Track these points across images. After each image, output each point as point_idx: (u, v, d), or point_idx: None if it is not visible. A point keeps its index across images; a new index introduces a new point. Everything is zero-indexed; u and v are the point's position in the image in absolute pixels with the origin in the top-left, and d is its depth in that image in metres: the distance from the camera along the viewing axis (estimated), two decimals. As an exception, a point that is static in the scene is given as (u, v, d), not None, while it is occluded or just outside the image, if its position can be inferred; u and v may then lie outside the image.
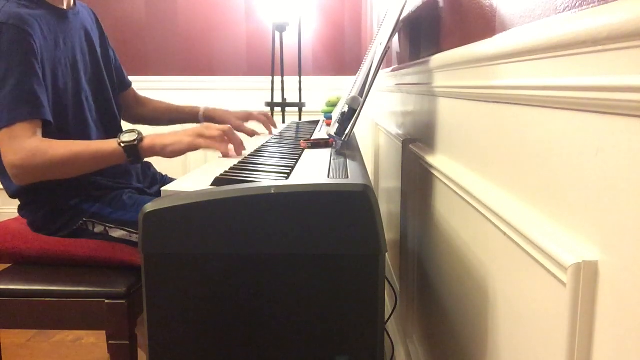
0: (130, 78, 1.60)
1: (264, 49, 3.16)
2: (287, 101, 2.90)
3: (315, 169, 0.91)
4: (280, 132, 1.64)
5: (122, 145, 1.13)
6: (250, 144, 1.26)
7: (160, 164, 1.46)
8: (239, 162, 0.98)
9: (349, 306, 0.71)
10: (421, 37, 1.33)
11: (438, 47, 1.11)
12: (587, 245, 0.48)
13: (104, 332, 1.14)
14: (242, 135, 1.23)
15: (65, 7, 1.30)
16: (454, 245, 0.94)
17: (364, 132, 2.81)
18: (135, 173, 1.40)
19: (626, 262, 0.42)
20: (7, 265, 1.26)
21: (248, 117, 1.64)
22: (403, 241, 1.46)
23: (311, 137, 1.40)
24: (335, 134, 1.07)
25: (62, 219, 1.24)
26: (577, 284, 0.48)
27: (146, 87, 3.01)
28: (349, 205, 0.69)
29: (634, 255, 0.41)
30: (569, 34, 0.48)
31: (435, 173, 1.05)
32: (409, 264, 1.41)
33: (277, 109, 3.00)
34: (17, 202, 1.30)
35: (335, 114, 1.28)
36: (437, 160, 1.05)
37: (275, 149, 1.19)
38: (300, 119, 2.91)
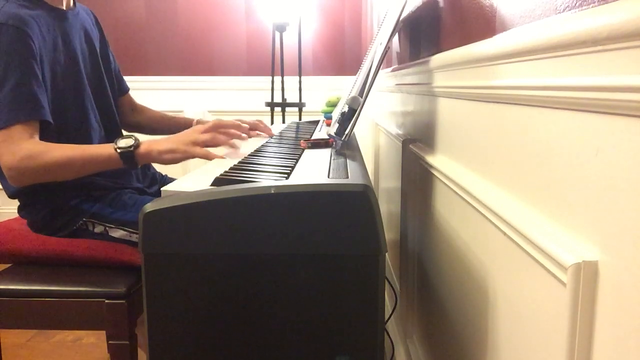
0: (130, 78, 1.60)
1: (264, 49, 3.16)
2: (287, 101, 2.90)
3: (315, 169, 0.91)
4: (280, 132, 1.63)
5: (119, 151, 1.13)
6: (250, 144, 1.26)
7: (160, 164, 1.46)
8: (239, 162, 0.98)
9: (349, 306, 0.71)
10: (421, 37, 1.33)
11: (438, 47, 1.11)
12: (587, 245, 0.48)
13: (104, 332, 1.14)
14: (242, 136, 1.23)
15: (64, 8, 1.30)
16: (454, 245, 0.94)
17: (364, 132, 2.81)
18: (135, 173, 1.40)
19: (626, 262, 0.42)
20: (7, 265, 1.26)
21: None
22: (403, 241, 1.46)
23: (311, 137, 1.40)
24: (335, 134, 1.07)
25: (62, 219, 1.24)
26: (577, 284, 0.48)
27: (146, 87, 3.03)
28: (349, 205, 0.69)
29: (634, 255, 0.41)
30: (569, 34, 0.48)
31: (435, 173, 1.05)
32: (409, 264, 1.41)
33: (277, 109, 3.00)
34: (17, 202, 1.30)
35: (335, 114, 1.28)
36: (437, 160, 1.05)
37: (275, 149, 1.19)
38: (300, 119, 2.90)
